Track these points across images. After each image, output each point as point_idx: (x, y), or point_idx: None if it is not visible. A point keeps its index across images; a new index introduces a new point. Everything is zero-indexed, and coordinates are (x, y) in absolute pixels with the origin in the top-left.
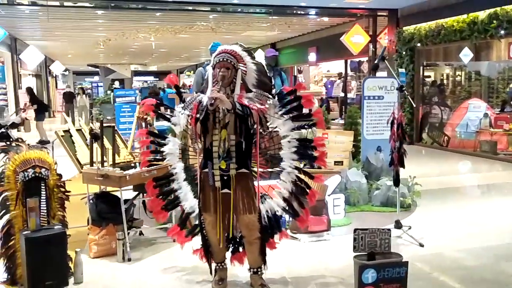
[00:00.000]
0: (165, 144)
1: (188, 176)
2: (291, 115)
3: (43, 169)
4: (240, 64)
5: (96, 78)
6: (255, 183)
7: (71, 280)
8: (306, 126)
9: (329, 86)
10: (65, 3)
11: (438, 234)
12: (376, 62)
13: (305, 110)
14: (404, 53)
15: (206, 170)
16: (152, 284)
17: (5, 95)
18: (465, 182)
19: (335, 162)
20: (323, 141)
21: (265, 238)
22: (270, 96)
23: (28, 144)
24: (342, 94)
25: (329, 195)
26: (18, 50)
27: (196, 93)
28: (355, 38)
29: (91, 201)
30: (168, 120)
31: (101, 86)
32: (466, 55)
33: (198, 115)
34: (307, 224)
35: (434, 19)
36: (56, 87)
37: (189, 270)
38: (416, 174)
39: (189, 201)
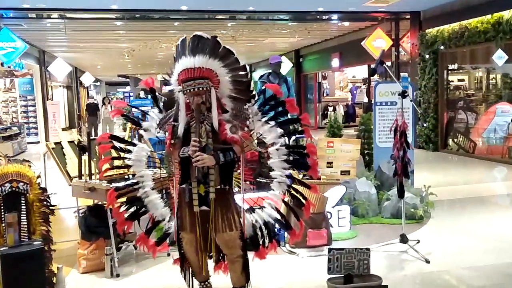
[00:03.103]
0: (129, 151)
1: (157, 185)
2: (276, 121)
3: (21, 184)
4: (212, 80)
5: (128, 88)
6: (239, 195)
7: None
8: (296, 134)
9: (355, 92)
10: (83, 15)
11: (448, 250)
12: (374, 66)
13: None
14: (427, 56)
15: (183, 186)
16: None
17: (33, 106)
18: (490, 191)
19: (341, 171)
20: (315, 148)
21: (255, 247)
22: (249, 111)
23: (8, 158)
24: (366, 100)
25: (333, 207)
26: (46, 62)
27: None
28: (377, 42)
29: (80, 214)
30: (139, 125)
31: (132, 96)
32: (500, 57)
33: (173, 141)
34: (298, 239)
35: (457, 21)
36: (88, 97)
37: (175, 287)
38: (438, 182)
39: (159, 210)
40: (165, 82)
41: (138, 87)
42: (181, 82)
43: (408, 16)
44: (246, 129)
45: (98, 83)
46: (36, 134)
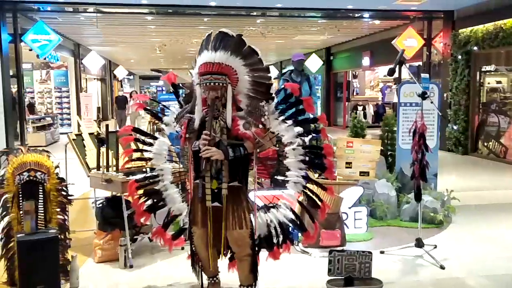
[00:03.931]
0: (151, 144)
1: (175, 180)
2: (294, 120)
3: (39, 173)
4: (231, 77)
5: (161, 82)
6: (251, 194)
7: (67, 285)
8: (313, 134)
9: (385, 91)
10: (115, 9)
11: (465, 256)
12: (392, 66)
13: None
14: (459, 57)
15: (197, 181)
16: None
17: (67, 97)
18: None
19: (360, 172)
20: (332, 149)
21: (269, 247)
22: (265, 108)
23: (28, 148)
24: (396, 100)
25: (350, 208)
26: (81, 55)
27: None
28: (408, 42)
29: (98, 205)
30: (160, 119)
31: (165, 91)
32: None
33: (187, 135)
34: (312, 241)
35: (492, 21)
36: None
37: (187, 281)
38: (464, 187)
39: (177, 204)
40: None
41: (161, 80)
42: (199, 76)
43: (441, 15)
44: (260, 126)
45: (131, 77)
46: (69, 125)
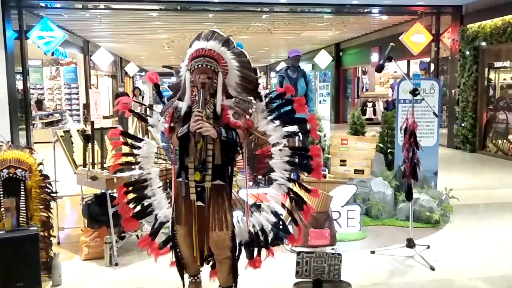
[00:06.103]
0: (139, 147)
1: (163, 183)
2: (282, 120)
3: (19, 170)
4: (221, 66)
5: (173, 79)
6: (241, 192)
7: (50, 283)
8: (299, 134)
9: (395, 87)
10: (121, 6)
11: (457, 257)
12: (381, 62)
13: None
14: (467, 53)
15: (180, 179)
16: None
17: (77, 94)
18: None
19: (355, 170)
20: (319, 150)
21: (249, 254)
22: (254, 102)
23: (10, 145)
24: None
25: (342, 206)
26: (90, 52)
27: None
28: (416, 37)
29: (85, 203)
30: (145, 120)
31: None
32: None
33: (172, 124)
34: (298, 243)
35: (500, 16)
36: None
37: (171, 280)
38: (469, 185)
39: (163, 210)
40: None
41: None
42: (191, 61)
43: (450, 10)
44: (248, 117)
45: (143, 73)
46: (79, 121)
